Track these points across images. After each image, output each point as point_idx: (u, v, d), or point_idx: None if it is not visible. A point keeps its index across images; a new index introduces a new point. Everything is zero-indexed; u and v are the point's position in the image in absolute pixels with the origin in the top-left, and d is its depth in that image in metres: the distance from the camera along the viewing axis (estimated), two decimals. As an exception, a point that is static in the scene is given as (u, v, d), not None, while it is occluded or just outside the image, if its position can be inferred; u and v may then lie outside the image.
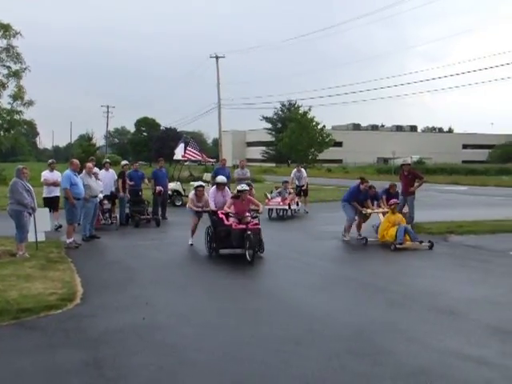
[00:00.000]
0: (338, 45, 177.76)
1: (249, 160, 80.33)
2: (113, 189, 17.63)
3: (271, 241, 13.09)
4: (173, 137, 70.96)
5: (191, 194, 14.08)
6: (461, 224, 16.99)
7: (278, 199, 20.31)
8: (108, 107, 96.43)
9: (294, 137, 70.00)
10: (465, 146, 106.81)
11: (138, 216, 17.82)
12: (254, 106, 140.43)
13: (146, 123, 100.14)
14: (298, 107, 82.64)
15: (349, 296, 9.00)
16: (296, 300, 8.74)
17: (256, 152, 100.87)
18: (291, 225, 19.08)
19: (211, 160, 26.78)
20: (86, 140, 54.97)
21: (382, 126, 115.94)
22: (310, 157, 71.23)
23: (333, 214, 21.67)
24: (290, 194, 20.73)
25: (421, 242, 13.21)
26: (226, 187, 13.53)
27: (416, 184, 16.34)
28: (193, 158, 25.74)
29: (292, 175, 23.15)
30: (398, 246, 13.04)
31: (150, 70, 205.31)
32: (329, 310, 8.18)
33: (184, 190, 24.85)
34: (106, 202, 16.94)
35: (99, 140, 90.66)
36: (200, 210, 13.68)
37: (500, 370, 5.76)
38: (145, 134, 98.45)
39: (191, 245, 13.54)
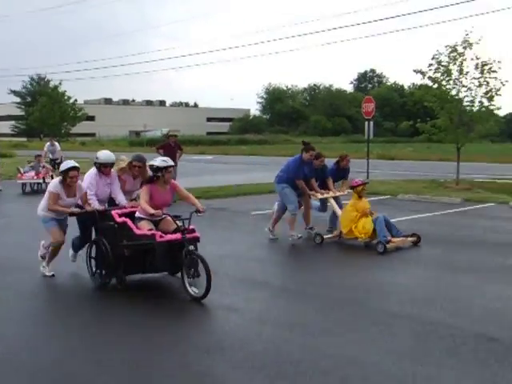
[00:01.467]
0: (83, 21, 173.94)
1: (-2, 135, 77.49)
2: None
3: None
4: None
5: (54, 184, 8.11)
6: (208, 189, 18.34)
7: (32, 173, 20.19)
8: None
9: (46, 111, 69.52)
10: (209, 119, 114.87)
11: None
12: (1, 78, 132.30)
13: None
14: (48, 81, 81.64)
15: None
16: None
17: (5, 126, 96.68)
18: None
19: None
20: None
21: (133, 100, 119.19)
22: (63, 131, 71.53)
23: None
24: (44, 167, 20.53)
25: (406, 237, 10.43)
26: (113, 170, 8.43)
27: (177, 155, 16.81)
28: None
29: (45, 149, 23.32)
30: (387, 245, 9.89)
31: None
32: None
33: None
34: None
35: None
36: (77, 211, 8.07)
37: (245, 313, 6.72)
38: None
39: (52, 276, 8.41)
